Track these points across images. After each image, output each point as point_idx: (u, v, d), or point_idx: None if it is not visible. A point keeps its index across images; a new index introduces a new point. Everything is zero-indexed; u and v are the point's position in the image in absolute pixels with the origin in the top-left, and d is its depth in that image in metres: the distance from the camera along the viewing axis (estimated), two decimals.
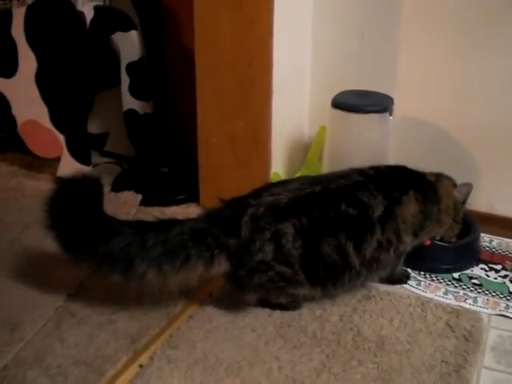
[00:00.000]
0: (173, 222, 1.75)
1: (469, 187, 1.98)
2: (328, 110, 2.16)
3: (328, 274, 1.78)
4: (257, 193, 1.77)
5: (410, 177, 1.90)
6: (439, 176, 1.97)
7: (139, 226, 1.74)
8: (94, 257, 1.68)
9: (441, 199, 1.92)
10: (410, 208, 1.82)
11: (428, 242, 2.00)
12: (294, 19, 2.26)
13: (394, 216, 1.80)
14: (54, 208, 1.69)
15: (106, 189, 2.51)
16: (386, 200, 1.79)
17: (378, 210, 1.77)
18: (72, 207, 1.70)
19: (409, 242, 1.86)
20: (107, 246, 1.65)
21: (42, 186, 2.51)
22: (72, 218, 1.69)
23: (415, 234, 1.87)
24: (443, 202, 1.92)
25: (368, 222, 1.77)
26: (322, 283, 1.79)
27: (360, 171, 1.85)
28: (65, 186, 1.75)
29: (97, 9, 2.51)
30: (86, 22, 2.48)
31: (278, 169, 2.28)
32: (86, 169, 2.54)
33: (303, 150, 2.41)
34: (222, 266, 1.71)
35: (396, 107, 2.16)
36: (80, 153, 2.55)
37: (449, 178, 1.99)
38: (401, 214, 1.81)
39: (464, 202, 2.00)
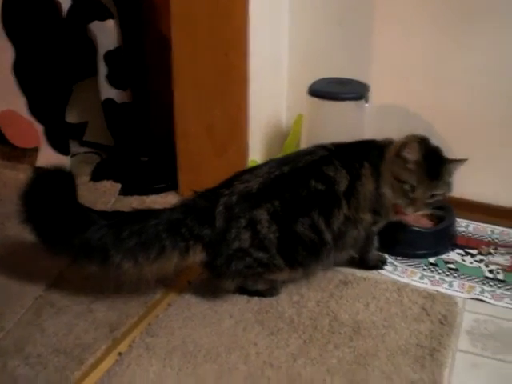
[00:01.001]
0: (148, 213, 1.76)
1: (413, 144, 1.81)
2: (305, 97, 2.18)
3: (308, 253, 1.80)
4: (228, 182, 1.79)
5: (367, 147, 1.90)
6: (390, 141, 1.90)
7: (115, 217, 1.75)
8: (70, 248, 1.71)
9: (383, 165, 1.86)
10: (368, 184, 1.83)
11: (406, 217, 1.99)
12: (270, 8, 2.27)
13: (356, 192, 1.82)
14: (28, 202, 1.71)
15: (85, 178, 2.52)
16: (348, 174, 1.81)
17: (342, 185, 1.80)
18: (46, 200, 1.71)
19: (369, 220, 1.87)
20: (83, 238, 1.67)
21: (22, 176, 2.49)
22: (46, 210, 1.71)
23: (372, 211, 1.87)
24: (384, 167, 1.86)
25: (335, 197, 1.80)
26: (303, 263, 1.82)
27: (323, 147, 1.87)
28: (37, 179, 1.76)
29: None
30: (62, 12, 2.46)
31: (256, 157, 2.29)
32: (64, 158, 2.54)
33: (281, 138, 2.42)
34: (197, 255, 1.73)
35: (372, 94, 2.18)
36: (58, 143, 2.55)
37: (409, 138, 1.85)
38: (361, 191, 1.82)
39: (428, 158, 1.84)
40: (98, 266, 1.70)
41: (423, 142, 1.85)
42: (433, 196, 1.84)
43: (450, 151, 1.91)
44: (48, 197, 1.71)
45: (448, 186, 1.87)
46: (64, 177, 1.76)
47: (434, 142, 1.89)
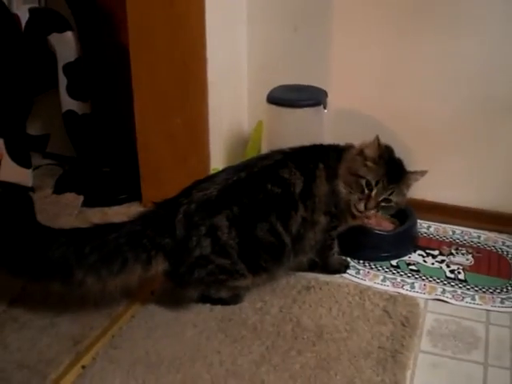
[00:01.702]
0: (108, 227, 1.75)
1: (375, 142, 1.84)
2: (264, 105, 2.19)
3: (270, 257, 1.82)
4: (187, 191, 1.80)
5: (323, 150, 1.92)
6: (351, 145, 1.93)
7: (75, 233, 1.74)
8: (30, 270, 1.70)
9: (340, 166, 1.89)
10: (322, 186, 1.85)
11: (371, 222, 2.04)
12: (227, 16, 2.28)
13: (311, 194, 1.84)
14: None
15: (49, 191, 2.51)
16: (303, 176, 1.83)
17: (298, 187, 1.82)
18: (3, 223, 1.70)
19: (323, 223, 1.88)
20: (43, 258, 1.67)
21: None
22: (4, 233, 1.70)
23: (328, 215, 1.88)
24: (341, 168, 1.88)
25: (291, 199, 1.82)
26: (265, 268, 1.83)
27: (280, 151, 1.90)
28: None
29: (32, 11, 2.49)
30: (21, 25, 2.45)
31: (219, 165, 2.29)
32: (26, 171, 2.52)
33: (243, 145, 2.43)
34: (160, 265, 1.73)
35: (330, 100, 2.20)
36: (20, 156, 2.52)
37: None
38: (316, 192, 1.84)
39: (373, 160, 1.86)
40: (60, 283, 1.69)
41: (387, 148, 1.88)
42: (386, 200, 1.86)
43: (409, 154, 1.94)
44: (4, 218, 1.71)
45: (403, 197, 1.90)
46: (22, 197, 1.75)
47: (394, 145, 1.91)
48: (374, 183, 1.83)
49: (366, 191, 1.84)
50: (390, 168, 1.85)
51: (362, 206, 1.85)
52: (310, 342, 1.71)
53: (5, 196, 1.75)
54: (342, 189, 1.86)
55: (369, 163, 1.84)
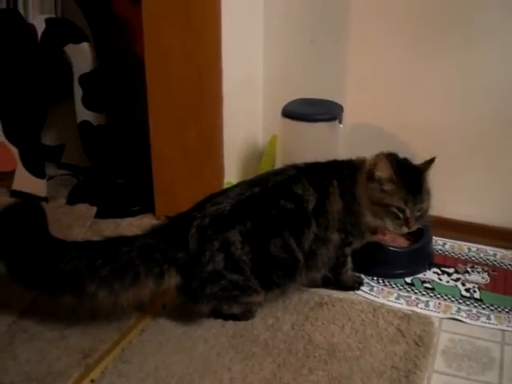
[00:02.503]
0: (120, 240, 1.74)
1: (383, 160, 1.79)
2: (279, 118, 2.18)
3: (283, 273, 1.80)
4: (200, 205, 1.78)
5: (338, 166, 1.89)
6: (364, 160, 1.88)
7: (87, 246, 1.73)
8: (42, 283, 1.70)
9: (357, 188, 1.85)
10: (335, 204, 1.83)
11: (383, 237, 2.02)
12: (243, 28, 2.27)
13: (324, 211, 1.82)
14: None
15: (62, 201, 2.51)
16: (316, 192, 1.81)
17: (311, 203, 1.80)
18: (15, 236, 1.70)
19: (337, 240, 1.86)
20: (55, 271, 1.66)
21: None
22: (17, 246, 1.69)
23: (342, 232, 1.86)
24: (358, 191, 1.85)
25: (304, 215, 1.80)
26: (278, 283, 1.81)
27: (294, 166, 1.88)
28: (5, 215, 1.72)
29: (48, 21, 2.50)
30: (37, 35, 2.46)
31: (232, 178, 2.28)
32: (40, 181, 2.52)
33: (257, 159, 2.42)
34: (172, 279, 1.72)
35: (346, 114, 2.19)
36: (34, 166, 2.53)
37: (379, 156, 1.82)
38: (329, 210, 1.82)
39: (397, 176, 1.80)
40: (72, 297, 1.68)
41: (392, 157, 1.83)
42: (420, 209, 1.83)
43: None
44: (18, 232, 1.70)
45: (429, 193, 1.86)
46: (34, 210, 1.74)
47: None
48: (403, 205, 1.80)
49: (401, 216, 1.81)
50: (408, 179, 1.81)
51: (405, 230, 1.84)
52: (322, 360, 1.69)
53: (17, 209, 1.73)
54: (370, 218, 1.84)
55: (386, 187, 1.80)
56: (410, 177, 1.82)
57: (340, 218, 1.84)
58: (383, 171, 1.79)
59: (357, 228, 1.87)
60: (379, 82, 2.25)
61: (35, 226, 1.71)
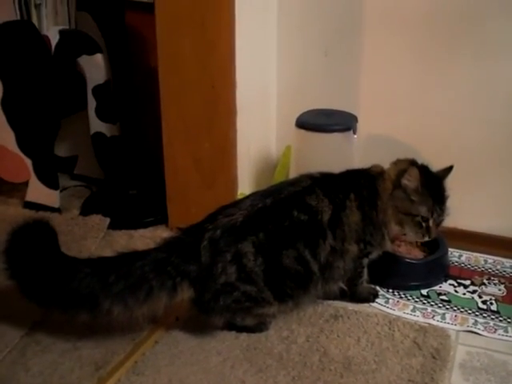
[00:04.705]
0: (132, 255, 1.74)
1: (413, 170, 1.81)
2: (293, 129, 2.17)
3: (296, 285, 1.78)
4: (212, 216, 1.77)
5: (353, 178, 1.89)
6: (381, 169, 1.91)
7: (100, 263, 1.74)
8: (57, 302, 1.70)
9: (379, 198, 1.86)
10: (353, 215, 1.82)
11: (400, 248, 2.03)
12: (257, 40, 2.27)
13: (340, 223, 1.81)
14: (10, 259, 1.69)
15: (75, 212, 2.51)
16: (331, 204, 1.80)
17: (326, 215, 1.79)
18: (27, 256, 1.70)
19: (354, 251, 1.85)
20: (68, 289, 1.66)
21: (12, 210, 2.51)
22: (29, 266, 1.69)
23: (361, 243, 1.85)
24: (382, 200, 1.85)
25: (319, 227, 1.78)
26: (292, 295, 1.79)
27: (309, 176, 1.87)
28: (15, 235, 1.72)
29: (62, 32, 2.50)
30: (51, 46, 2.47)
31: (246, 189, 2.27)
32: (54, 193, 2.52)
33: (271, 170, 2.41)
34: (185, 292, 1.71)
35: (360, 125, 2.17)
36: (47, 177, 2.53)
37: (399, 164, 1.88)
38: (346, 221, 1.81)
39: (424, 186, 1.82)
40: (87, 314, 1.68)
41: (419, 166, 1.85)
42: (442, 218, 1.87)
43: None
44: (29, 252, 1.70)
45: (447, 200, 1.90)
46: (44, 229, 1.74)
47: None
48: (429, 215, 1.83)
49: (424, 225, 1.84)
50: (434, 189, 1.85)
51: (426, 238, 1.88)
52: (337, 373, 1.67)
53: (27, 228, 1.73)
54: (395, 227, 1.85)
55: (414, 197, 1.81)
56: (435, 186, 1.85)
57: (358, 228, 1.83)
58: (412, 181, 1.81)
59: (376, 237, 1.86)
60: (394, 92, 2.24)
61: (46, 246, 1.71)
